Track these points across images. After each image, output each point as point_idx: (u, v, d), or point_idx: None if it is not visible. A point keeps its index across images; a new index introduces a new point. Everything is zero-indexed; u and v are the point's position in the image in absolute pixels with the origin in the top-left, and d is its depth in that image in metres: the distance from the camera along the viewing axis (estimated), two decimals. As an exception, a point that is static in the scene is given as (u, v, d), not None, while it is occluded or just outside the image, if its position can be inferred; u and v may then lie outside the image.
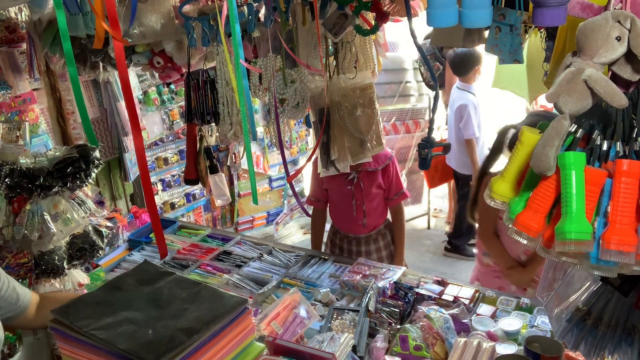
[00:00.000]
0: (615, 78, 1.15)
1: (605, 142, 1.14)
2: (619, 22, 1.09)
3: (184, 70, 2.52)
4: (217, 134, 2.66)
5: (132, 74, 3.39)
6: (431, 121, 2.14)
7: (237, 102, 2.11)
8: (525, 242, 1.19)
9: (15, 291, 1.53)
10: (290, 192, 5.17)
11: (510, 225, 1.21)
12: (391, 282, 2.36)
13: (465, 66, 4.49)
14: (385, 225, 3.09)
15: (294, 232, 5.53)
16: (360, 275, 2.47)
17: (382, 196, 2.98)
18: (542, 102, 4.42)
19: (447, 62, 4.84)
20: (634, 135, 1.13)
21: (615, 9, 1.18)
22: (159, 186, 4.28)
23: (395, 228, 3.09)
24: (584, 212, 1.07)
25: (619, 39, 1.09)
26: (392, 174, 2.95)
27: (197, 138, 2.65)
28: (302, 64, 2.16)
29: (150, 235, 3.10)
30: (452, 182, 5.09)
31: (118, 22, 1.36)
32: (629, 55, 1.11)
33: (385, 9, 2.26)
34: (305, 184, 5.55)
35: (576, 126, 1.18)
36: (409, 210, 5.50)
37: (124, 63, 1.38)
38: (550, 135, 1.11)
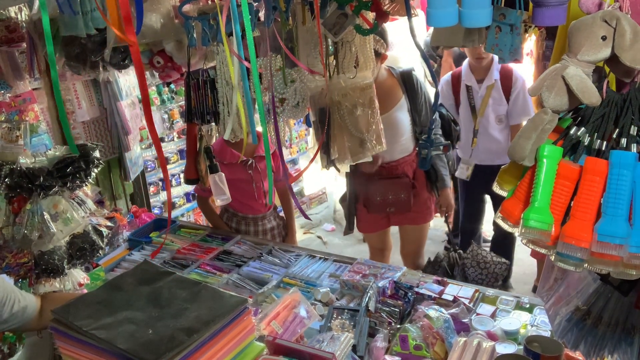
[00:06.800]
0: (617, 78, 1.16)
1: (598, 141, 1.15)
2: (605, 21, 1.08)
3: (184, 69, 2.52)
4: (217, 134, 2.65)
5: (132, 73, 3.39)
6: (431, 121, 2.15)
7: (238, 101, 2.10)
8: (507, 228, 1.21)
9: (21, 305, 1.55)
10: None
11: (497, 212, 1.24)
12: (391, 281, 2.36)
13: None
14: (275, 207, 3.43)
15: (294, 232, 5.51)
16: (360, 274, 2.47)
17: (275, 178, 3.22)
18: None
19: (441, 61, 4.83)
20: (614, 136, 1.13)
21: (614, 8, 1.18)
22: (160, 185, 4.27)
23: (284, 208, 3.43)
24: (547, 203, 1.09)
25: (604, 38, 1.08)
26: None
27: (197, 138, 2.65)
28: (301, 66, 2.16)
29: (151, 235, 3.11)
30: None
31: (131, 21, 1.34)
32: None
33: (385, 8, 2.25)
34: (305, 184, 5.54)
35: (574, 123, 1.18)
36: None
37: (140, 62, 1.37)
38: (528, 127, 1.14)
